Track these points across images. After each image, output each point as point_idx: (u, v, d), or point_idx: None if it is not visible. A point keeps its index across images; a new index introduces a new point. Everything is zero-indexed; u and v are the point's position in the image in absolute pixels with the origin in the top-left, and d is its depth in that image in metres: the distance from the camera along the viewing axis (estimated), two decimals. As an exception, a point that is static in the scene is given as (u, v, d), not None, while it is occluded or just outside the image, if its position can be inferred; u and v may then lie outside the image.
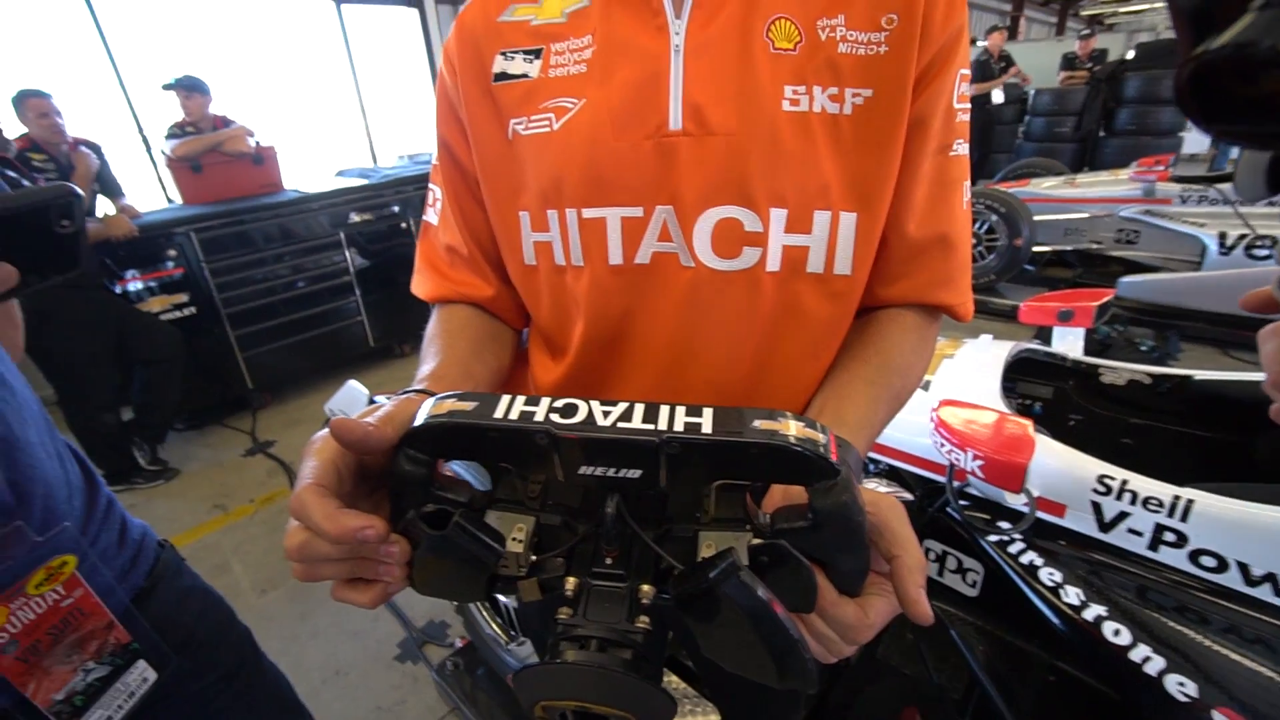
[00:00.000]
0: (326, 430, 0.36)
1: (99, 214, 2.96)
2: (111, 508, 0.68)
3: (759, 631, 0.31)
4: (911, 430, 1.29)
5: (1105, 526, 1.06)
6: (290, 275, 3.45)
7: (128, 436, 2.89)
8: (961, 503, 1.18)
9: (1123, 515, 1.05)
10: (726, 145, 0.50)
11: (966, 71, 0.54)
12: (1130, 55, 7.24)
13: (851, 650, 0.38)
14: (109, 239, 2.82)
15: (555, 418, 0.33)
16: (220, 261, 3.19)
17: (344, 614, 2.03)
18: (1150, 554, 1.03)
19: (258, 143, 3.55)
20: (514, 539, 0.37)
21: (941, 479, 1.19)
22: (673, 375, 0.57)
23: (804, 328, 0.55)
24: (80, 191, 0.35)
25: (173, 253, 3.06)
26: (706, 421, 0.32)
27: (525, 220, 0.57)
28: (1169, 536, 1.02)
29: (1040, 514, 1.10)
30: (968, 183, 0.57)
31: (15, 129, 2.75)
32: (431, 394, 0.42)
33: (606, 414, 0.33)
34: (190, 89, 3.30)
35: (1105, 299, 1.57)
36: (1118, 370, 1.46)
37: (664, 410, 0.33)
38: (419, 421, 0.34)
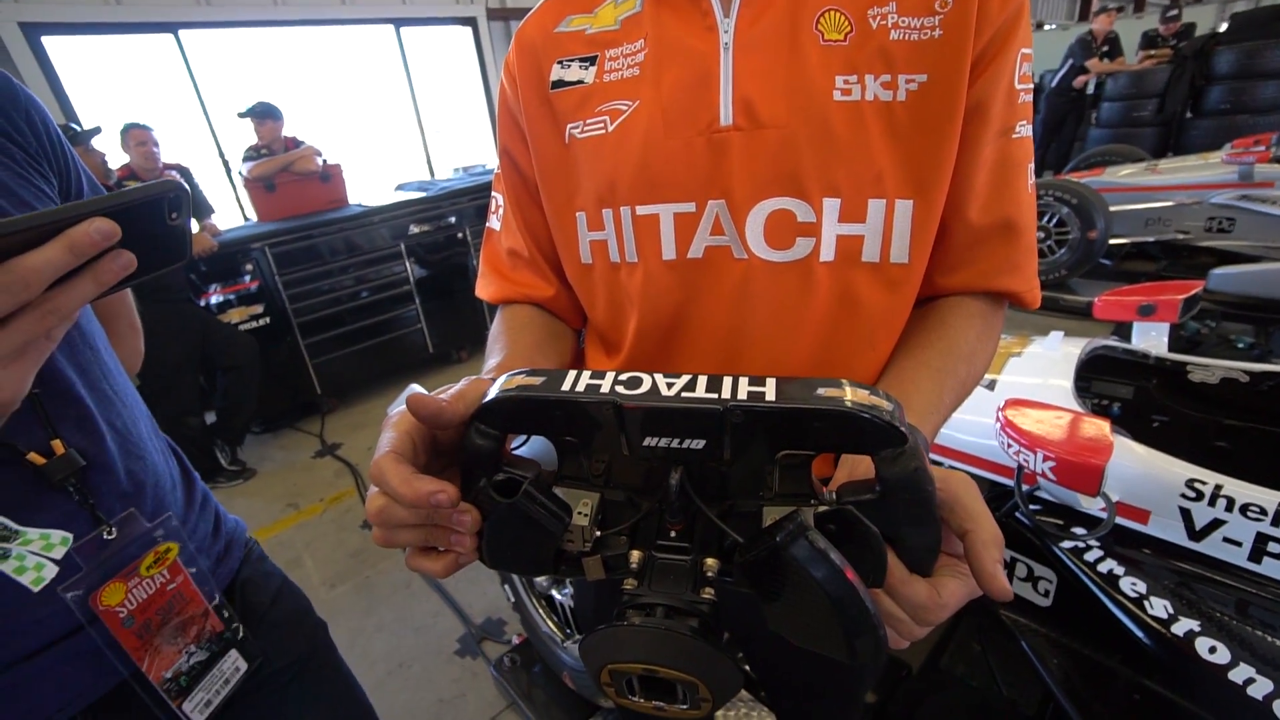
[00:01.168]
0: (403, 405, 0.37)
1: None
2: (207, 501, 0.73)
3: (828, 597, 0.30)
4: (976, 431, 1.23)
5: (1196, 535, 0.98)
6: (355, 286, 3.63)
7: (211, 439, 3.11)
8: (1032, 507, 1.12)
9: (1217, 523, 0.97)
10: (778, 138, 0.50)
11: (1028, 51, 0.52)
12: (1224, 27, 6.67)
13: (923, 632, 0.37)
14: (192, 256, 3.05)
15: (620, 389, 0.33)
16: (292, 274, 3.39)
17: (407, 609, 2.10)
18: (1252, 566, 0.95)
19: (325, 161, 3.76)
20: (579, 513, 0.37)
21: (1009, 482, 1.12)
22: (727, 367, 0.57)
23: (860, 318, 0.54)
24: (187, 186, 0.39)
25: (249, 267, 3.28)
26: (770, 390, 0.32)
27: (582, 220, 0.59)
28: (1275, 548, 0.93)
29: (1120, 520, 1.03)
30: (1032, 165, 0.55)
31: (118, 159, 3.02)
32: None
33: (670, 385, 0.33)
34: (263, 115, 3.54)
35: (1193, 291, 1.45)
36: (1209, 368, 1.35)
37: (727, 380, 0.33)
38: (490, 396, 0.35)
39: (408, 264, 3.78)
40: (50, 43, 3.61)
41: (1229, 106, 5.95)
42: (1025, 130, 0.53)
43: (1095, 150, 5.51)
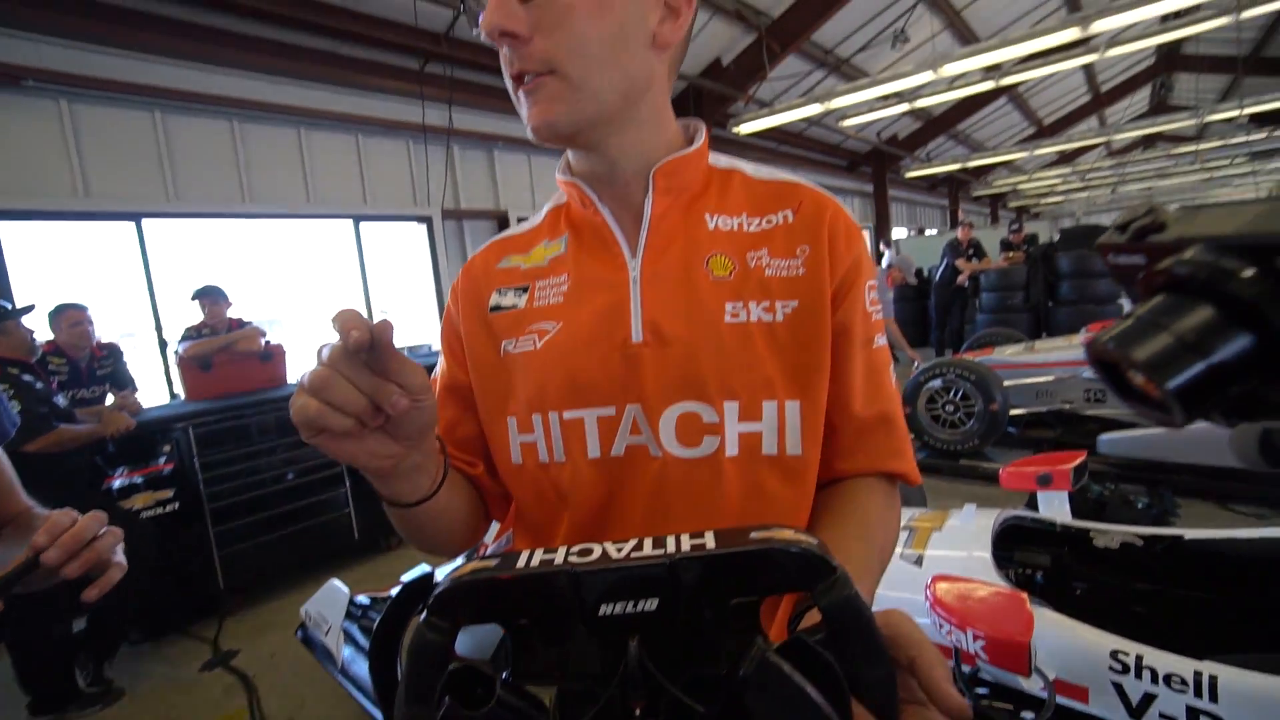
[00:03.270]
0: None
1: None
2: None
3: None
4: (910, 609, 1.24)
5: (1134, 711, 0.98)
6: (281, 468, 3.45)
7: (73, 653, 2.64)
8: (979, 690, 1.10)
9: (1150, 697, 0.98)
10: (681, 352, 0.60)
11: (874, 282, 0.67)
12: (1056, 238, 8.26)
13: None
14: (104, 437, 2.86)
15: (574, 559, 0.35)
16: (213, 456, 3.21)
17: None
18: (1192, 744, 0.95)
19: (268, 341, 3.79)
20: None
21: (949, 663, 1.12)
22: None
23: (766, 505, 0.61)
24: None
25: (167, 448, 3.10)
26: (710, 540, 0.35)
27: (513, 425, 0.65)
28: (1205, 721, 0.94)
29: (1062, 699, 1.02)
30: (891, 367, 0.68)
31: (46, 334, 2.97)
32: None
33: (619, 549, 0.36)
34: (215, 298, 3.63)
35: (1079, 460, 1.61)
36: (1109, 533, 1.45)
37: (670, 538, 0.36)
38: (445, 585, 0.35)
39: (342, 442, 3.67)
40: (4, 225, 3.68)
41: (1076, 298, 7.10)
42: (881, 341, 0.67)
43: (982, 333, 6.30)
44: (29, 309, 2.77)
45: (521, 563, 0.36)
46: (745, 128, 7.13)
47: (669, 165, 0.63)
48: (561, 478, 0.63)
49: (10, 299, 3.62)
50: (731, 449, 0.59)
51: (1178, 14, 5.74)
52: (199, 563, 3.16)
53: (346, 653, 1.93)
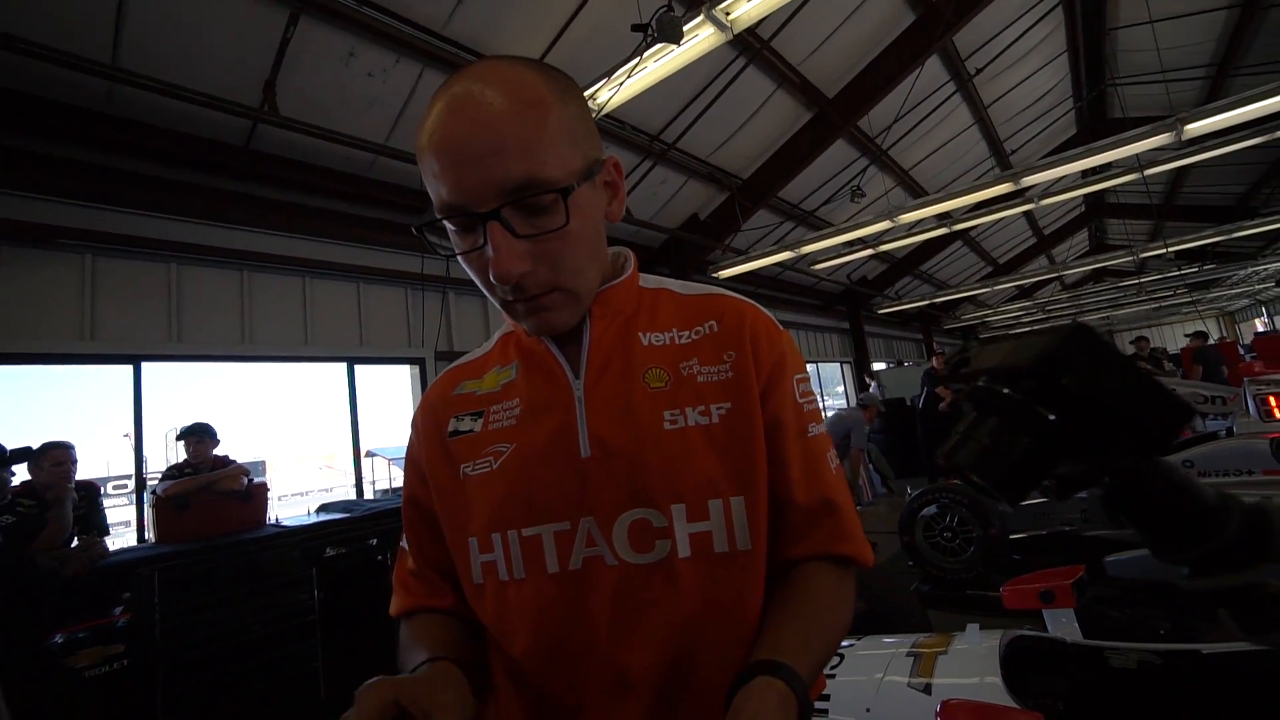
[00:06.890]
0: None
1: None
2: None
3: None
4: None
5: None
6: (249, 617, 3.20)
7: None
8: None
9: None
10: (626, 463, 0.63)
11: (803, 375, 0.72)
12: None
13: None
14: (63, 575, 2.70)
15: None
16: (177, 604, 2.99)
17: None
18: None
19: (249, 480, 3.71)
20: None
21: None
22: (615, 660, 0.61)
23: (723, 601, 0.62)
24: None
25: (126, 595, 2.89)
26: None
27: (473, 545, 0.67)
28: None
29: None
30: (832, 452, 0.72)
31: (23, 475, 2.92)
32: (449, 659, 0.60)
33: None
34: (201, 435, 3.61)
35: (1079, 575, 1.57)
36: (1124, 652, 1.39)
37: None
38: None
39: (316, 593, 3.44)
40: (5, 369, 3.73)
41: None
42: (817, 429, 0.70)
43: (971, 457, 6.28)
44: (23, 454, 2.74)
45: None
46: (723, 274, 7.69)
47: (602, 295, 0.69)
48: (523, 595, 0.64)
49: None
50: (683, 550, 0.61)
51: (1094, 170, 6.58)
52: (139, 733, 2.80)
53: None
